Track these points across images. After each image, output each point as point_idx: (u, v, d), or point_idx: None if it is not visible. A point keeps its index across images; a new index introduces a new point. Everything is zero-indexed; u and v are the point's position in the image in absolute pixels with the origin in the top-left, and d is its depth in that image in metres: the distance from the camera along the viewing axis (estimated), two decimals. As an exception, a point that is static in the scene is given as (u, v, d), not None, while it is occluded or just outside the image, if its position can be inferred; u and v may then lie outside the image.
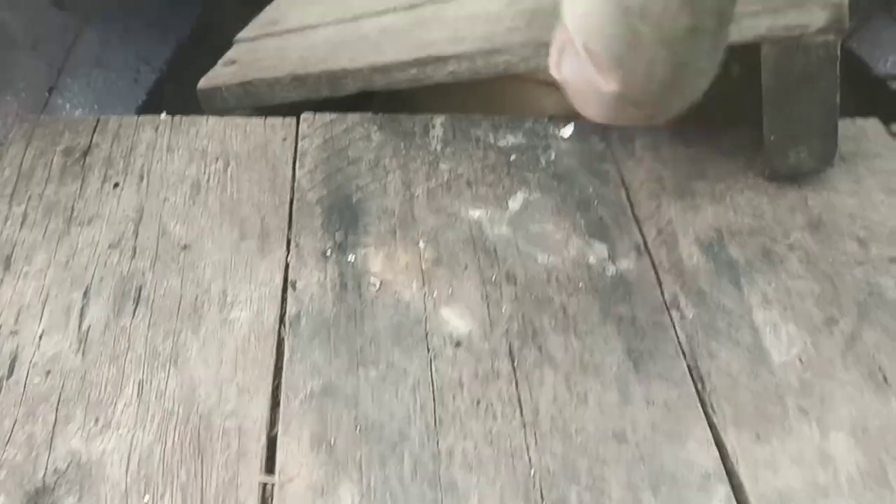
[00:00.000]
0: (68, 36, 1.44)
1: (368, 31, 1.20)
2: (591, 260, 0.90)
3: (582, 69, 0.61)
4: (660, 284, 0.89)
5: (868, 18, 1.63)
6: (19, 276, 0.83)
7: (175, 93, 1.37)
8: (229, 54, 1.25)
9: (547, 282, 0.87)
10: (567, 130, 1.08)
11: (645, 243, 0.93)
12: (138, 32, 1.53)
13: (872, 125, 1.14)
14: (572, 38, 0.59)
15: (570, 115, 1.11)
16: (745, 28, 0.92)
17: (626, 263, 0.90)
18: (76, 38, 1.44)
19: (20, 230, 0.88)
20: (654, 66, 0.56)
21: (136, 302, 0.82)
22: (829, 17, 0.89)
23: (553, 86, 1.07)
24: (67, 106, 1.32)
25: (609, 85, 0.59)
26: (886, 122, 1.16)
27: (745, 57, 0.98)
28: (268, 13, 1.37)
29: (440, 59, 1.04)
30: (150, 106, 1.40)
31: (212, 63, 1.25)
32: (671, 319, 0.85)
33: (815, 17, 0.89)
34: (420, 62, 1.05)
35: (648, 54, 0.55)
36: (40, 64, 1.36)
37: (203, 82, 1.18)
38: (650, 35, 0.54)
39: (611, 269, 0.89)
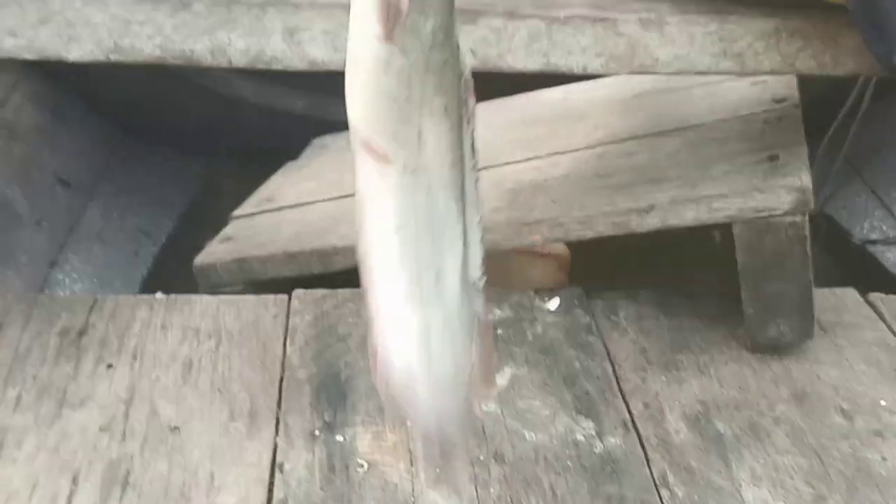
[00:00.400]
0: (72, 212, 1.50)
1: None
2: (579, 437, 0.91)
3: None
4: (648, 462, 0.89)
5: (841, 185, 1.70)
6: (9, 462, 0.83)
7: (176, 264, 1.41)
8: (226, 231, 1.30)
9: (535, 461, 0.88)
10: (553, 303, 1.11)
11: (632, 418, 0.94)
12: (139, 207, 1.59)
13: (851, 295, 1.17)
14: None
15: (556, 287, 1.14)
16: (715, 210, 0.97)
17: (614, 440, 0.91)
18: (80, 214, 1.50)
19: (13, 414, 0.89)
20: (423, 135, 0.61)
21: (124, 488, 0.81)
22: (795, 200, 0.94)
23: (537, 255, 1.11)
24: (67, 281, 1.36)
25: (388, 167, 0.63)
26: (868, 286, 1.20)
27: (725, 227, 1.03)
28: (264, 190, 1.43)
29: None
30: (151, 278, 1.45)
31: (212, 234, 1.30)
32: (660, 499, 0.84)
33: (781, 201, 0.94)
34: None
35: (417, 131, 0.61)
36: (43, 239, 1.41)
37: (199, 259, 1.23)
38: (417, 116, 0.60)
39: (598, 447, 0.90)
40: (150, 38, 0.82)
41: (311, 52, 0.83)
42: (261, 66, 0.84)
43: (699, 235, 1.25)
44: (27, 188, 1.44)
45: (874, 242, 1.62)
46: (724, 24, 0.86)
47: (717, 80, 1.23)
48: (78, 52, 0.82)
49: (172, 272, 1.37)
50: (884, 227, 1.63)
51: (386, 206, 0.61)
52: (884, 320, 1.12)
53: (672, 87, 1.27)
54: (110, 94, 1.63)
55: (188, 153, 1.70)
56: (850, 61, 0.88)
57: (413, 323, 0.59)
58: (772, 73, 0.91)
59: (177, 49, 0.83)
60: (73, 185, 1.52)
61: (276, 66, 0.85)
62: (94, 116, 1.68)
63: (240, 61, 0.84)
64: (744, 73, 0.93)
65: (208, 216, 1.48)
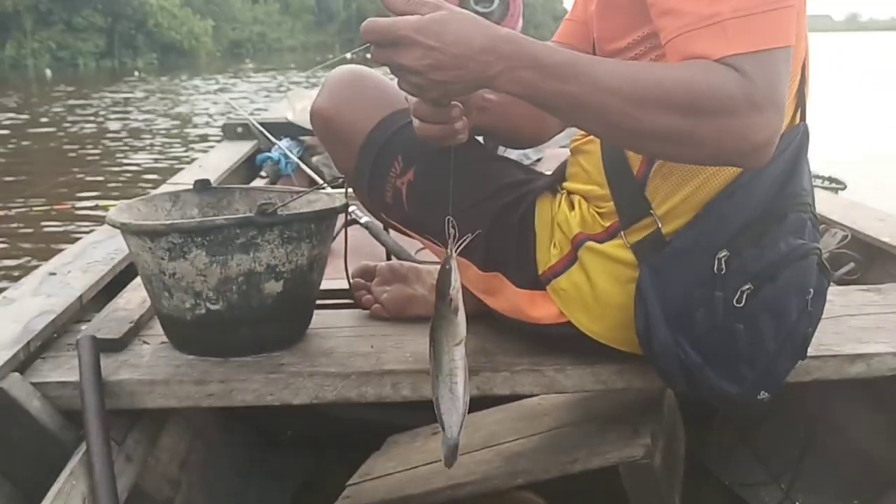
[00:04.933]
0: (242, 487, 2.43)
1: (424, 472, 2.18)
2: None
3: None
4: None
5: (730, 449, 2.60)
6: None
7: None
8: (344, 493, 2.22)
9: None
10: (531, 517, 1.99)
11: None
12: (281, 483, 2.52)
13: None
14: None
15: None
16: (608, 458, 1.89)
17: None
18: (247, 488, 2.44)
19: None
20: None
21: None
22: (645, 451, 1.85)
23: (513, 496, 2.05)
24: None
25: None
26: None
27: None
28: (363, 468, 2.37)
29: (459, 485, 2.00)
30: None
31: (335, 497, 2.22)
32: None
33: (637, 451, 1.86)
34: (450, 487, 2.01)
35: None
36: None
37: (331, 508, 2.14)
38: None
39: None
40: (332, 391, 1.80)
41: (403, 392, 1.81)
42: (380, 400, 1.82)
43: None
44: (219, 476, 2.39)
45: (751, 485, 2.48)
46: (595, 369, 1.83)
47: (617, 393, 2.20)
48: (298, 399, 1.80)
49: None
50: (758, 475, 2.51)
51: None
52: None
53: (595, 395, 2.24)
54: (255, 415, 2.62)
55: (306, 451, 2.66)
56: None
57: None
58: (622, 389, 1.87)
59: (342, 395, 1.81)
60: (245, 473, 2.48)
61: (386, 400, 1.82)
62: (245, 427, 2.68)
63: (370, 399, 1.81)
64: (608, 390, 1.88)
65: (328, 487, 2.40)
